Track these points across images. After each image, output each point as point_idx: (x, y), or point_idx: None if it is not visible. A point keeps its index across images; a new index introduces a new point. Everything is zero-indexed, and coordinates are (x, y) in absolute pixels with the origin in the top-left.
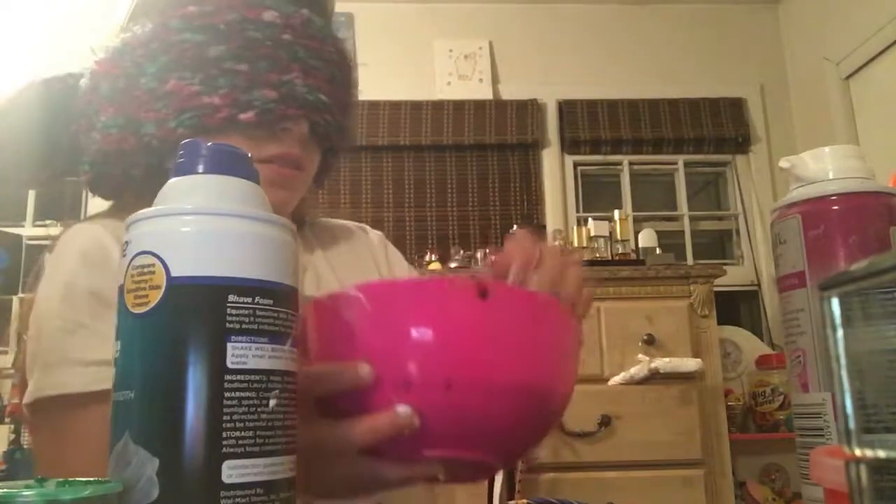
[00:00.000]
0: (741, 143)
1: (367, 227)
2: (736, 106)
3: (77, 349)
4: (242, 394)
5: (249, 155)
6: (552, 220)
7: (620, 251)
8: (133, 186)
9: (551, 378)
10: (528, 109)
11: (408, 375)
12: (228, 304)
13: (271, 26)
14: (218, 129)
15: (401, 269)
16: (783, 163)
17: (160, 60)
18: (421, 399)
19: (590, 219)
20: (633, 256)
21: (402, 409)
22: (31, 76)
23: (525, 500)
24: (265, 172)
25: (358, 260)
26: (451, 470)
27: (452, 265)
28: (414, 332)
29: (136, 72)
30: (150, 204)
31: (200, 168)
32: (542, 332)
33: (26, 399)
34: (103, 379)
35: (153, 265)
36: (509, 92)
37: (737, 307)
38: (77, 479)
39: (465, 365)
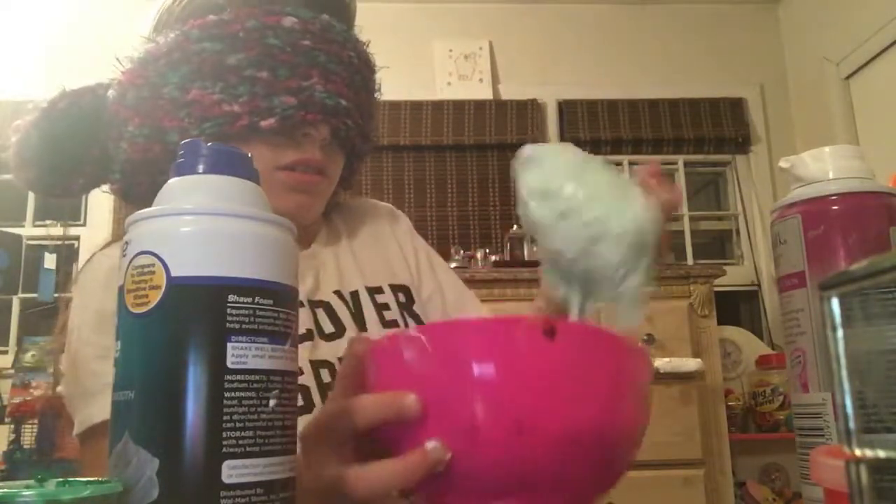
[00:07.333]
0: (741, 143)
1: (398, 212)
2: (736, 106)
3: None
4: (242, 394)
5: (249, 155)
6: None
7: None
8: None
9: (624, 418)
10: (528, 109)
11: (474, 419)
12: (228, 304)
13: (291, 32)
14: (239, 137)
15: (428, 256)
16: (783, 163)
17: (182, 70)
18: (487, 444)
19: None
20: None
21: (432, 444)
22: (62, 87)
23: None
24: (287, 179)
25: (381, 246)
26: None
27: (452, 265)
28: (480, 375)
29: (160, 81)
30: None
31: (200, 168)
32: (614, 370)
33: (77, 430)
34: None
35: (153, 265)
36: (509, 92)
37: (737, 307)
38: (77, 478)
39: (533, 408)
